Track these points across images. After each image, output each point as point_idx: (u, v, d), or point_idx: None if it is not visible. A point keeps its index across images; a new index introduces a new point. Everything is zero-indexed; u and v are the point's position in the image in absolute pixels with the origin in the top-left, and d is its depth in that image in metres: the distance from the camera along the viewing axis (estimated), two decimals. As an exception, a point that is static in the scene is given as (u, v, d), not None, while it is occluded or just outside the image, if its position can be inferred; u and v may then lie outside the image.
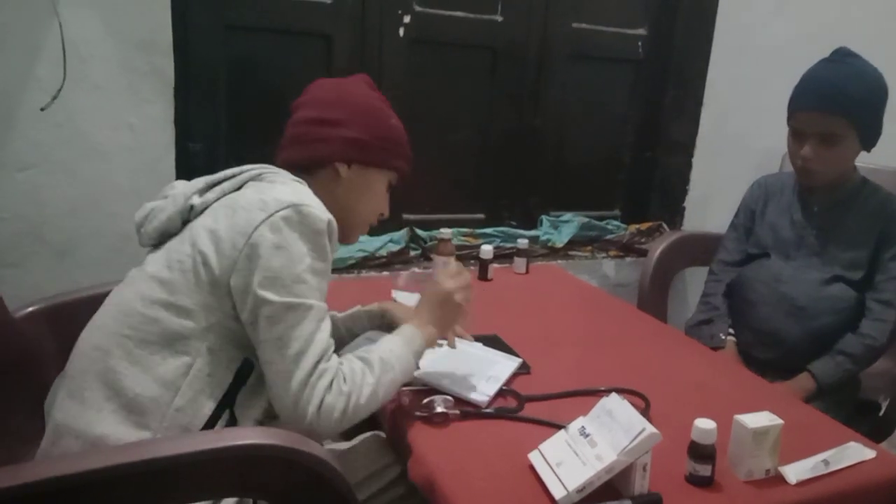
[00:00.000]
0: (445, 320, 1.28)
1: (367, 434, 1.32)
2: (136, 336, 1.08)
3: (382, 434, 1.31)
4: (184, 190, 1.18)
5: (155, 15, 1.74)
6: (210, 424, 1.08)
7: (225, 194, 1.15)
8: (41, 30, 1.64)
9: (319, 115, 1.25)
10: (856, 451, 1.15)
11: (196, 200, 1.15)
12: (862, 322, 1.67)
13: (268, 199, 1.09)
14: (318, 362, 1.06)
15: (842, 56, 1.65)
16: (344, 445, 1.32)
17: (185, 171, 1.88)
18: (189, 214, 1.16)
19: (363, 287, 1.82)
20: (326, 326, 1.10)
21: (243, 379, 1.12)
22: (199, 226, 1.12)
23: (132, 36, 1.73)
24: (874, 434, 1.43)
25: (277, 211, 1.07)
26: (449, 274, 1.30)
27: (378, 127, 1.27)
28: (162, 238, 1.17)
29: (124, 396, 1.05)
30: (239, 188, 1.17)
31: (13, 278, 1.70)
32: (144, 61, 1.75)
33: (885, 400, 1.76)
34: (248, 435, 0.97)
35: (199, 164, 1.96)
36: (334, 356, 1.10)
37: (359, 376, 1.10)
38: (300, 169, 1.24)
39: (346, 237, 1.28)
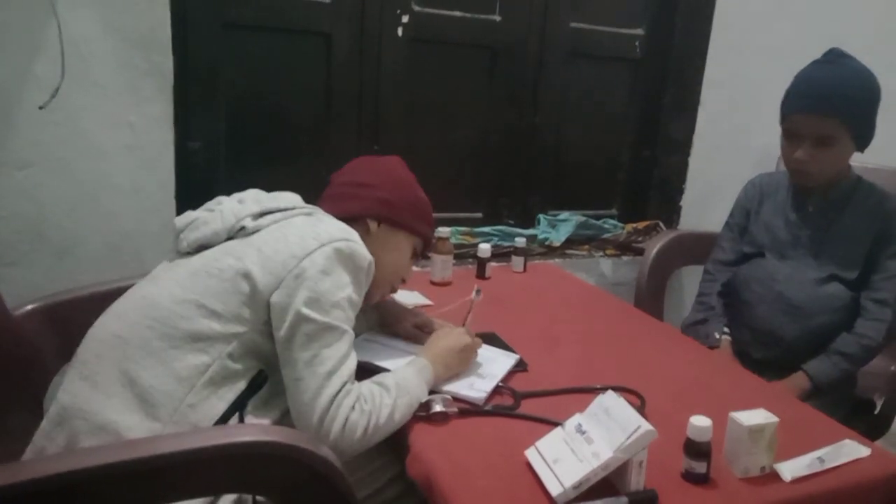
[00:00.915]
0: (456, 367, 1.32)
1: None
2: (160, 329, 1.10)
3: None
4: (232, 208, 1.23)
5: (154, 13, 1.74)
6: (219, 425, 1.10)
7: (276, 222, 1.22)
8: (40, 28, 1.64)
9: (354, 178, 1.37)
10: (851, 449, 1.16)
11: (249, 223, 1.21)
12: (857, 321, 1.68)
13: (321, 231, 1.17)
14: (345, 383, 1.12)
15: (834, 57, 1.65)
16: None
17: (185, 169, 1.89)
18: (236, 233, 1.21)
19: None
20: (354, 355, 1.16)
21: (256, 388, 1.14)
22: (247, 244, 1.18)
23: (131, 34, 1.73)
24: (869, 432, 1.44)
25: (330, 242, 1.15)
26: (469, 322, 1.39)
27: (407, 194, 1.38)
28: (200, 248, 1.21)
29: (138, 386, 1.07)
30: (289, 217, 1.24)
31: (12, 277, 1.70)
32: (144, 59, 1.75)
33: (880, 398, 1.76)
34: (249, 432, 0.98)
35: (199, 162, 1.97)
36: (356, 382, 1.16)
37: (377, 398, 1.14)
38: (346, 216, 1.31)
39: (372, 293, 1.32)
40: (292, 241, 1.16)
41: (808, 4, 2.49)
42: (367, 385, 1.16)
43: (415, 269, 2.17)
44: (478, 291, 1.42)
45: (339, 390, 1.10)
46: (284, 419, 1.15)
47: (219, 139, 2.02)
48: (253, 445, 0.94)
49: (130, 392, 1.07)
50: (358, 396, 1.12)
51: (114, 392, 1.08)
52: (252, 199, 1.27)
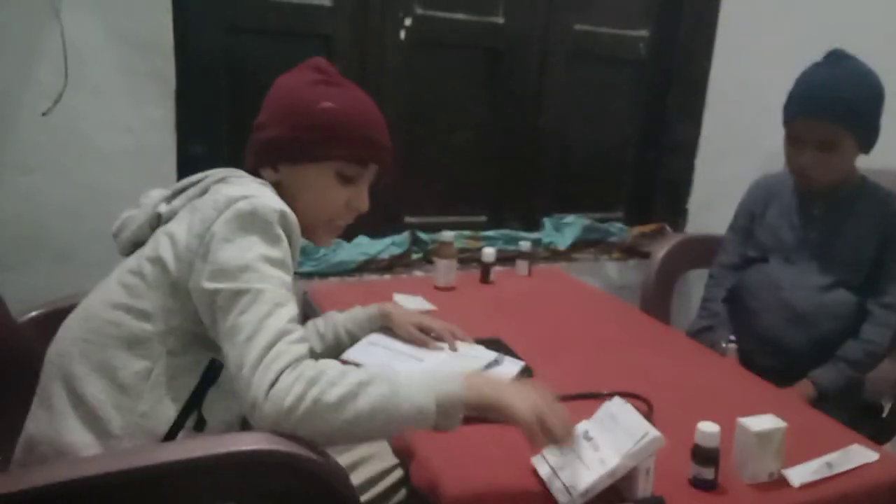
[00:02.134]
0: (501, 402, 1.01)
1: None
2: (97, 340, 1.06)
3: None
4: (156, 198, 1.17)
5: (156, 17, 1.74)
6: (175, 428, 1.06)
7: (190, 200, 1.13)
8: (43, 33, 1.64)
9: (260, 116, 1.23)
10: (859, 454, 1.15)
11: (163, 209, 1.14)
12: (863, 327, 1.66)
13: (220, 198, 1.06)
14: (271, 345, 0.95)
15: (836, 59, 1.63)
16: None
17: (187, 173, 1.87)
18: (158, 222, 1.15)
19: (365, 290, 1.82)
20: (286, 312, 0.99)
21: (212, 380, 1.09)
22: (161, 232, 1.11)
23: (133, 38, 1.73)
24: (877, 436, 1.43)
25: (228, 207, 1.04)
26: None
27: (301, 119, 1.16)
28: (134, 247, 1.16)
29: (86, 404, 1.04)
30: (204, 193, 1.14)
31: (14, 282, 1.69)
32: (145, 64, 1.75)
33: (888, 402, 1.75)
34: (251, 440, 0.97)
35: (201, 166, 1.95)
36: (302, 345, 0.98)
37: (337, 371, 0.95)
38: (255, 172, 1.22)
39: (310, 237, 1.23)
40: (196, 217, 1.06)
41: (814, 6, 2.47)
42: (332, 362, 0.98)
43: (418, 273, 2.20)
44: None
45: (264, 354, 0.93)
46: None
47: (221, 143, 2.02)
48: (254, 454, 0.93)
49: (80, 411, 1.04)
50: (298, 359, 0.94)
51: (66, 413, 1.04)
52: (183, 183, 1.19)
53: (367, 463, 1.26)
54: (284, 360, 0.93)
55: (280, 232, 1.06)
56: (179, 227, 1.08)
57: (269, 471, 0.95)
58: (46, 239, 1.74)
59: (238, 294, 0.99)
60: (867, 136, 1.62)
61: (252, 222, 1.03)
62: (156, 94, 1.78)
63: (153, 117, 1.79)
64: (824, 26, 2.39)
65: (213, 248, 1.02)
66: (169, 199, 1.16)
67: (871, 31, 2.15)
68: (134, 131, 1.78)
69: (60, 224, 1.75)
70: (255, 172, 1.20)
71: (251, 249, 1.02)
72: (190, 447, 0.99)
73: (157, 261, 1.07)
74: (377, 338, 1.46)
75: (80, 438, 1.03)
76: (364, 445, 1.29)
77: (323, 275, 2.04)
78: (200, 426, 1.08)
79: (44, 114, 1.67)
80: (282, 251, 1.05)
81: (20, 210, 1.71)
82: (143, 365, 1.05)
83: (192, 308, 1.05)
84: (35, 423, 1.08)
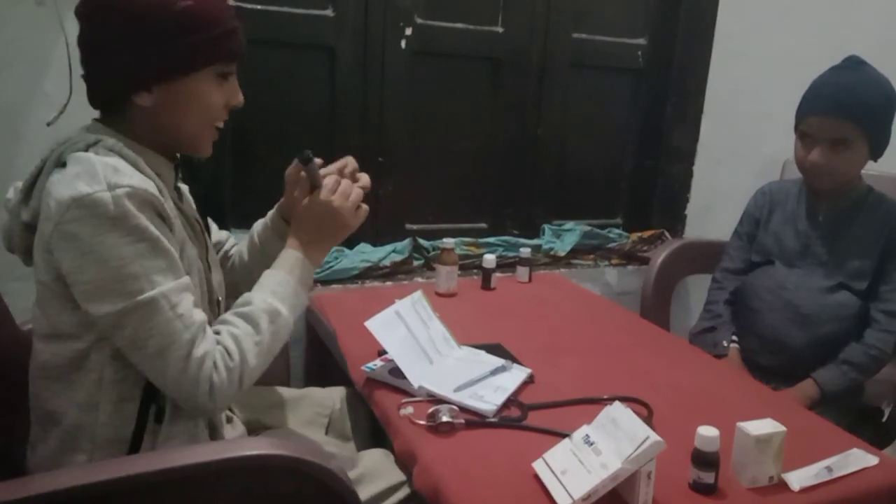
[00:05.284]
0: (329, 235, 1.17)
1: (374, 451, 1.30)
2: (48, 375, 1.06)
3: (389, 452, 1.27)
4: (14, 196, 1.06)
5: (160, 29, 1.75)
6: (140, 426, 1.05)
7: (42, 195, 0.99)
8: (48, 45, 1.66)
9: (91, 37, 1.04)
10: (859, 458, 1.16)
11: (26, 217, 1.02)
12: (867, 332, 1.67)
13: (52, 203, 0.94)
14: (189, 353, 0.97)
15: (854, 63, 1.66)
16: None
17: (190, 184, 1.89)
18: (31, 229, 1.03)
19: (367, 297, 1.83)
20: (185, 306, 0.98)
21: None
22: (36, 249, 1.01)
23: (137, 50, 1.74)
24: (877, 440, 1.44)
25: (61, 218, 0.92)
26: (330, 184, 1.17)
27: (165, 29, 1.00)
28: (28, 252, 1.06)
29: (60, 426, 1.05)
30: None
31: (21, 291, 1.70)
32: (149, 75, 1.76)
33: (888, 406, 1.76)
34: (256, 445, 0.98)
35: (204, 177, 1.97)
36: (208, 332, 1.01)
37: (242, 341, 1.03)
38: (104, 108, 1.08)
39: (194, 151, 1.14)
40: (43, 230, 0.96)
41: (810, 14, 2.49)
42: (226, 331, 1.03)
43: (419, 280, 2.21)
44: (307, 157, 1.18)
45: (186, 364, 0.97)
46: None
47: (224, 154, 2.03)
48: (259, 459, 0.94)
49: (56, 434, 1.05)
50: (216, 355, 1.00)
51: (46, 432, 1.07)
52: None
53: (371, 478, 1.23)
54: (209, 363, 0.99)
55: (135, 214, 0.94)
56: (39, 234, 0.99)
57: (274, 475, 0.96)
58: (51, 248, 1.75)
59: (127, 313, 0.94)
60: (879, 140, 1.64)
61: (98, 224, 0.92)
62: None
63: (157, 127, 1.80)
64: (821, 35, 2.41)
65: (68, 267, 0.94)
66: (25, 201, 1.03)
67: (867, 39, 2.17)
68: (138, 141, 1.79)
69: (65, 234, 1.76)
70: (112, 105, 1.06)
71: (115, 256, 0.93)
72: (194, 453, 0.99)
73: (46, 287, 1.01)
74: (404, 310, 1.42)
75: (64, 459, 1.05)
76: (369, 461, 1.25)
77: (325, 282, 2.05)
78: (160, 417, 1.06)
79: (49, 124, 1.68)
80: (148, 236, 0.95)
81: (25, 220, 1.72)
82: (91, 378, 1.03)
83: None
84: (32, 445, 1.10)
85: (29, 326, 1.31)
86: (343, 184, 1.19)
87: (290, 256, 1.15)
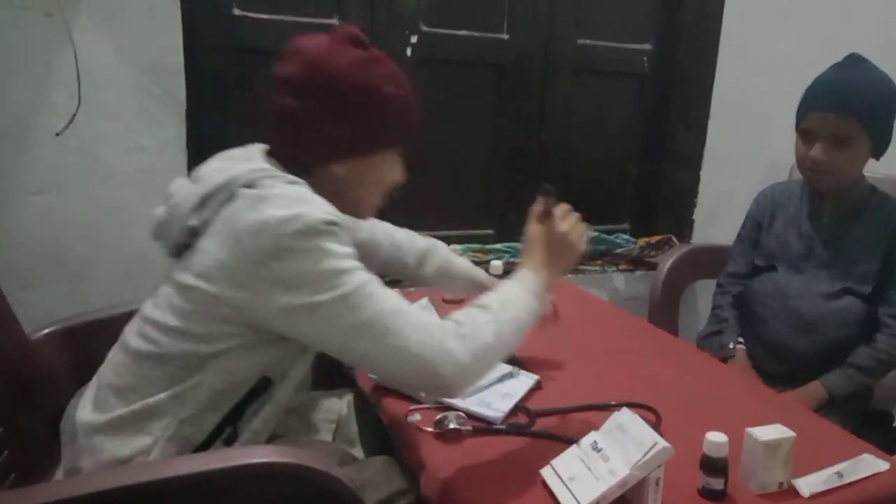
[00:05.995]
0: (561, 261, 1.26)
1: (378, 458, 1.29)
2: (152, 355, 1.09)
3: (393, 459, 1.27)
4: (184, 199, 1.10)
5: (166, 38, 1.77)
6: (212, 437, 1.08)
7: (221, 205, 1.07)
8: (56, 56, 1.67)
9: (302, 104, 1.10)
10: (869, 463, 1.15)
11: (195, 222, 1.07)
12: (877, 336, 1.66)
13: (267, 219, 1.00)
14: (425, 325, 1.05)
15: (855, 61, 1.64)
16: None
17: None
18: (193, 232, 1.10)
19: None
20: (388, 290, 1.07)
21: (256, 396, 1.11)
22: (205, 251, 1.06)
23: (144, 59, 1.76)
24: (886, 445, 1.42)
25: (281, 232, 1.00)
26: (561, 214, 1.30)
27: (371, 111, 1.11)
28: (180, 249, 1.11)
29: (135, 404, 1.07)
30: (231, 197, 1.07)
31: (29, 300, 1.71)
32: (157, 85, 1.78)
33: (897, 410, 1.75)
34: (262, 453, 0.98)
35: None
36: (431, 309, 1.12)
37: (474, 317, 1.08)
38: (293, 166, 1.14)
39: (360, 215, 1.24)
40: (246, 243, 1.01)
41: (816, 16, 2.49)
42: (460, 311, 1.10)
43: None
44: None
45: (424, 337, 1.03)
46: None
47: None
48: (266, 467, 0.94)
49: (127, 410, 1.08)
50: (448, 325, 1.06)
51: (120, 401, 1.10)
52: (204, 175, 1.12)
53: (375, 486, 1.22)
54: (443, 334, 1.04)
55: (338, 231, 1.03)
56: (224, 251, 1.03)
57: (280, 483, 0.96)
58: (61, 257, 1.76)
59: (342, 298, 1.01)
60: (880, 138, 1.62)
61: (310, 240, 1.00)
62: (167, 115, 1.80)
63: (164, 137, 1.81)
64: (827, 37, 2.40)
65: (284, 275, 1.00)
66: (197, 208, 1.08)
67: (870, 40, 2.16)
68: (147, 151, 1.80)
69: (75, 243, 1.77)
70: (304, 168, 1.13)
71: (325, 259, 1.01)
72: (201, 460, 1.00)
73: (210, 288, 1.04)
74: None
75: (116, 440, 1.07)
76: (373, 468, 1.26)
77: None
78: (232, 438, 1.10)
79: (57, 134, 1.69)
80: (347, 244, 1.05)
81: (35, 229, 1.73)
82: (195, 379, 1.07)
83: (251, 330, 1.05)
84: (83, 415, 1.12)
85: (38, 334, 1.33)
86: (573, 215, 1.30)
87: (522, 272, 1.22)
